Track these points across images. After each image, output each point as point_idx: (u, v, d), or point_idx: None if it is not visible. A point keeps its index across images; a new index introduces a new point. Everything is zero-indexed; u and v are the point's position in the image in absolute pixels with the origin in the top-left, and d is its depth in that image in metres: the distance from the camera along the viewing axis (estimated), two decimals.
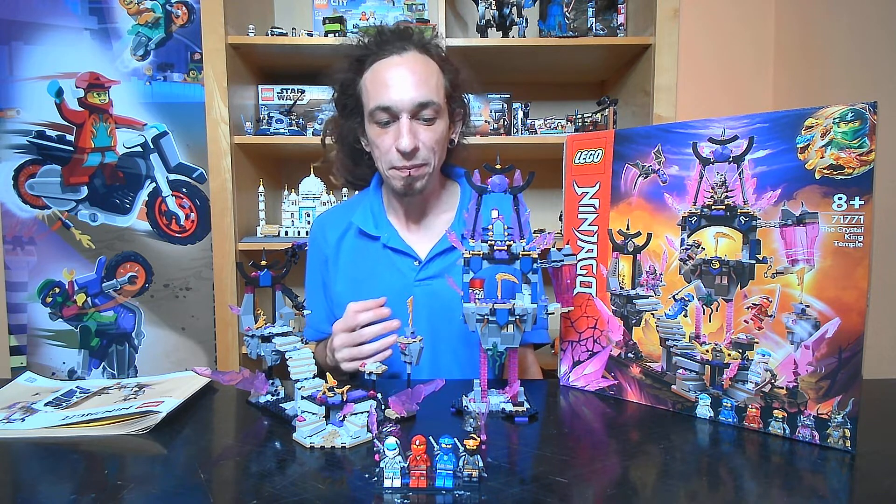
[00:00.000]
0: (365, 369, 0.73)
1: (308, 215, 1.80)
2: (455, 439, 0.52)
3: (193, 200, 1.92)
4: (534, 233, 0.82)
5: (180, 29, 1.87)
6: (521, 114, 1.76)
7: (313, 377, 0.68)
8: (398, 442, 0.52)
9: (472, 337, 0.93)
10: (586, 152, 0.81)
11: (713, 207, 0.69)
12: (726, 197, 0.68)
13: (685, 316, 0.72)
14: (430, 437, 0.53)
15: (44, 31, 1.83)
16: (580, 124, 1.76)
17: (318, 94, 1.79)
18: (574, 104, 1.96)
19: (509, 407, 0.72)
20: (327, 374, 0.67)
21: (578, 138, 0.82)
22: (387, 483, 0.52)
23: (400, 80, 0.91)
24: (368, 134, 0.98)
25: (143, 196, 1.90)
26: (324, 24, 1.67)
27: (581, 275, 0.82)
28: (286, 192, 1.85)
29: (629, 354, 0.77)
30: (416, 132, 0.93)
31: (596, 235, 0.80)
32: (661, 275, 0.74)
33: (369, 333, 0.84)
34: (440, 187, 1.06)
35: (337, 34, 1.65)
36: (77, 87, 1.85)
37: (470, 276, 0.70)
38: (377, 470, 0.52)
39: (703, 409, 0.71)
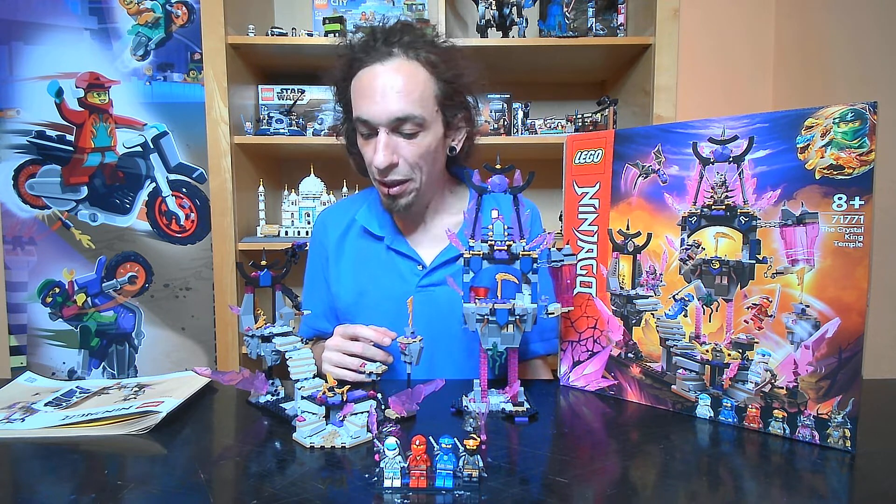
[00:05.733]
0: (365, 370, 0.73)
1: (308, 215, 1.80)
2: (455, 439, 0.52)
3: (193, 200, 1.92)
4: None
5: (180, 29, 1.87)
6: (521, 114, 1.76)
7: (313, 377, 0.68)
8: (398, 442, 0.52)
9: (471, 345, 0.92)
10: (586, 152, 0.81)
11: (713, 207, 0.69)
12: (726, 197, 0.68)
13: (685, 316, 0.72)
14: (430, 437, 0.53)
15: (44, 31, 1.83)
16: (580, 124, 1.75)
17: (318, 94, 1.79)
18: (574, 104, 1.96)
19: (509, 407, 0.72)
20: (327, 374, 0.67)
21: (578, 138, 0.82)
22: (387, 483, 0.52)
23: (379, 93, 0.86)
24: (357, 140, 0.95)
25: (143, 196, 1.90)
26: (324, 24, 1.67)
27: (581, 275, 0.82)
28: (286, 192, 1.85)
29: (629, 354, 0.77)
30: (396, 147, 0.89)
31: (596, 235, 0.80)
32: (661, 275, 0.74)
33: (358, 348, 0.82)
34: (446, 190, 1.03)
35: (337, 34, 1.64)
36: (77, 87, 1.85)
37: (470, 276, 0.70)
38: (377, 470, 0.52)
39: (703, 409, 0.71)
